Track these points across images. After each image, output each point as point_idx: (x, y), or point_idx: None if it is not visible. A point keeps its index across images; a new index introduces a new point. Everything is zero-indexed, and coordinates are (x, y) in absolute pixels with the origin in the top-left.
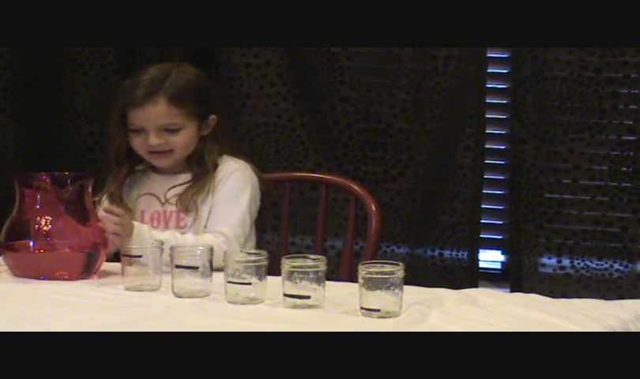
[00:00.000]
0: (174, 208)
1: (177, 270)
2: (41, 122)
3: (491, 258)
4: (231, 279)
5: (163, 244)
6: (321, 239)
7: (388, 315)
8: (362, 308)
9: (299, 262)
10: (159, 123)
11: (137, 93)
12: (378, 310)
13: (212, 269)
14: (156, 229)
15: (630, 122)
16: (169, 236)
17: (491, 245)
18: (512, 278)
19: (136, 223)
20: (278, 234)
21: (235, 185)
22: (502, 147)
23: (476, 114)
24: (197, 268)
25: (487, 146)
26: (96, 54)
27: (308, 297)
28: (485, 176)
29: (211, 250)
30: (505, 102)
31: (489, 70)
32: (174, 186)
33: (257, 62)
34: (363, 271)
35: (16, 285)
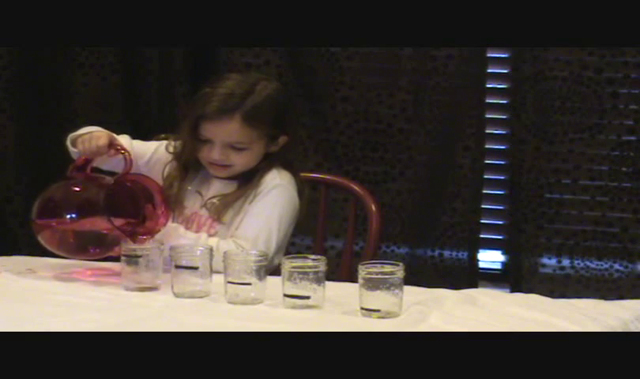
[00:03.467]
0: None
1: (177, 270)
2: (41, 122)
3: (491, 258)
4: (231, 279)
5: (162, 244)
6: (321, 239)
7: (388, 315)
8: (362, 308)
9: (299, 262)
10: (227, 140)
11: (212, 106)
12: (378, 310)
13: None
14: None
15: (630, 122)
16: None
17: (491, 245)
18: (512, 278)
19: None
20: None
21: (272, 202)
22: (502, 147)
23: (476, 114)
24: (197, 268)
25: (487, 146)
26: (96, 54)
27: (308, 297)
28: (485, 176)
29: (211, 251)
30: (505, 102)
31: (489, 70)
32: (216, 196)
33: (257, 62)
34: (363, 271)
35: (17, 285)
